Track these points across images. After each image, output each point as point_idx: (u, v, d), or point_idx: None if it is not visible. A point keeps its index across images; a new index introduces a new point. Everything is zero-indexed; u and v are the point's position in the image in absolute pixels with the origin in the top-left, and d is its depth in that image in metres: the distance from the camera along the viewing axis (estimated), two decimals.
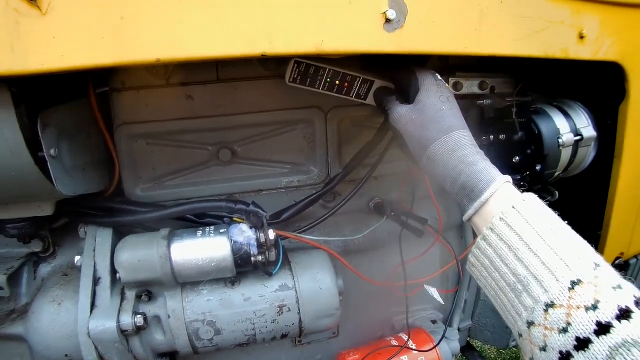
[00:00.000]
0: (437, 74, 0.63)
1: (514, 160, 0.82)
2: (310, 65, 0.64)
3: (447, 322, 0.93)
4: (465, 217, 0.53)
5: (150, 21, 0.48)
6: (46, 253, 0.76)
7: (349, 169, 0.76)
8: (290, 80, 0.65)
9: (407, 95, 0.61)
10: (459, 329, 0.96)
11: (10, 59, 0.47)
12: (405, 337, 0.83)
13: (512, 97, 0.84)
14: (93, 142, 0.71)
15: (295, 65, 0.63)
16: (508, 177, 0.51)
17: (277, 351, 0.88)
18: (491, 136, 0.84)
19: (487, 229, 0.48)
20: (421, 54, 0.62)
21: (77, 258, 0.69)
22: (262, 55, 0.52)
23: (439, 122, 0.56)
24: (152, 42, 0.49)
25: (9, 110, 0.52)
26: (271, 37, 0.52)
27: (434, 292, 0.86)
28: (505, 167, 0.83)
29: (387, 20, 0.55)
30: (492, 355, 1.93)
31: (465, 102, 0.88)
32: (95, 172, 0.70)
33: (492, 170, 0.52)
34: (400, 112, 0.60)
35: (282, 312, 0.69)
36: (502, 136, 0.83)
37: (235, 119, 0.74)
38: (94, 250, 0.69)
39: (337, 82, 0.66)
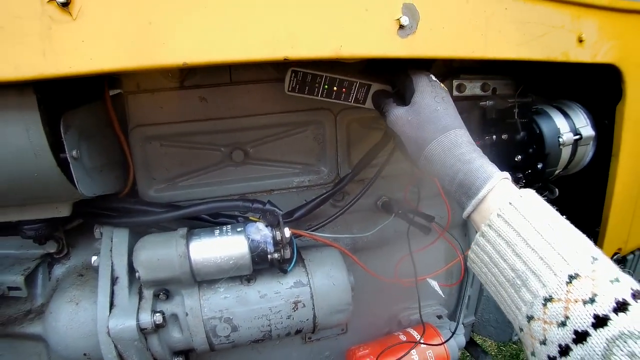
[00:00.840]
0: (431, 75, 0.65)
1: (516, 159, 0.86)
2: (307, 74, 0.66)
3: (457, 319, 0.96)
4: (464, 215, 0.54)
5: (178, 26, 0.51)
6: (60, 254, 0.78)
7: (358, 169, 0.79)
8: (289, 89, 0.67)
9: (404, 97, 0.63)
10: (463, 325, 1.00)
11: (41, 63, 0.49)
12: (412, 332, 0.87)
13: (513, 98, 0.88)
14: (108, 144, 0.73)
15: (293, 74, 0.65)
16: (506, 174, 0.52)
17: (287, 348, 0.91)
18: (494, 136, 0.88)
19: (485, 225, 0.49)
20: (430, 58, 0.65)
21: (94, 258, 0.71)
22: (285, 59, 0.55)
23: (434, 122, 0.58)
24: (179, 46, 0.51)
25: (34, 113, 0.54)
26: (293, 43, 0.54)
27: (435, 285, 0.89)
28: (508, 166, 0.87)
29: (401, 27, 0.58)
30: (492, 352, 1.97)
31: (469, 103, 0.92)
32: (111, 174, 0.72)
33: (489, 168, 0.53)
34: (397, 114, 0.61)
35: (297, 308, 0.72)
36: (504, 136, 0.87)
37: (248, 121, 0.77)
38: (110, 250, 0.71)
39: (334, 88, 0.68)
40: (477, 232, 0.52)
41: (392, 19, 0.58)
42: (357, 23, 0.57)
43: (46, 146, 0.55)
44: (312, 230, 0.77)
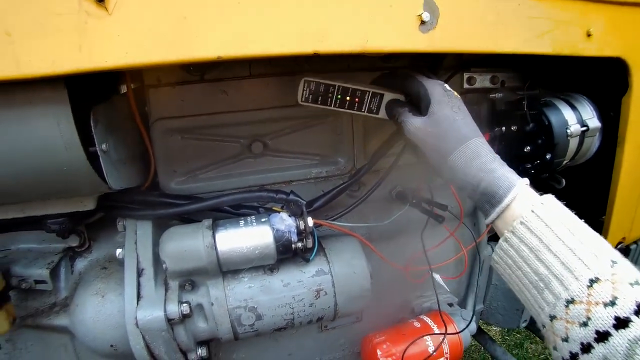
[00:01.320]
0: (445, 85, 0.66)
1: (525, 150, 0.88)
2: (320, 84, 0.67)
3: (472, 308, 0.99)
4: (487, 221, 0.56)
5: (211, 21, 0.52)
6: (82, 248, 0.79)
7: (374, 160, 0.81)
8: (303, 100, 0.68)
9: (418, 106, 0.64)
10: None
11: (77, 57, 0.50)
12: (426, 319, 0.89)
13: (521, 90, 0.91)
14: (130, 138, 0.73)
15: (306, 84, 0.66)
16: (526, 180, 0.55)
17: (303, 337, 0.93)
18: (503, 127, 0.90)
19: (509, 232, 0.52)
20: (446, 53, 0.67)
21: (118, 251, 0.72)
22: (315, 53, 0.56)
23: (454, 133, 0.59)
24: (212, 40, 0.53)
25: (66, 107, 0.55)
26: (322, 37, 0.56)
27: (439, 278, 0.91)
28: (517, 157, 0.90)
29: (422, 22, 0.60)
30: (497, 341, 2.01)
31: (478, 95, 0.95)
32: (134, 167, 0.73)
33: (511, 176, 0.55)
34: (416, 125, 0.62)
35: (319, 296, 0.74)
36: (513, 127, 0.90)
37: (267, 113, 0.78)
38: (135, 243, 0.72)
39: (347, 98, 0.69)
40: (500, 237, 0.55)
41: (414, 15, 0.60)
42: (382, 19, 0.59)
43: (77, 140, 0.56)
44: (332, 220, 0.79)
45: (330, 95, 0.68)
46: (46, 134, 0.55)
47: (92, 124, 0.59)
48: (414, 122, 0.63)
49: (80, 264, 0.79)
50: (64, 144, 0.57)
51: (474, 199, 0.58)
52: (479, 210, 0.59)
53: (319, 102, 0.69)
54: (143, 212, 0.73)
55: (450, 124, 0.60)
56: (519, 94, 0.90)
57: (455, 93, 0.66)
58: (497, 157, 0.59)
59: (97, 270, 0.75)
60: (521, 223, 0.51)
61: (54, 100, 0.54)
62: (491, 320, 1.12)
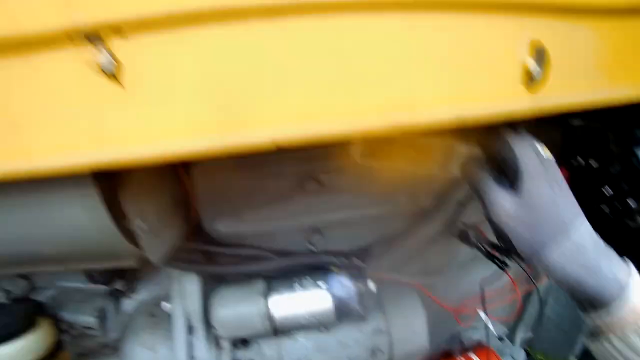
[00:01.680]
0: (537, 145, 0.46)
1: (603, 189, 0.70)
2: None
3: None
4: (585, 318, 0.44)
5: (267, 95, 0.36)
6: (128, 288, 0.69)
7: (440, 204, 0.65)
8: None
9: (503, 171, 0.46)
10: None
11: (94, 149, 0.35)
12: (475, 358, 0.78)
13: (603, 118, 0.70)
14: (167, 187, 0.59)
15: None
16: (637, 276, 0.41)
17: None
18: (581, 160, 0.71)
19: (618, 338, 0.40)
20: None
21: (166, 306, 0.62)
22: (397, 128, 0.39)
23: (553, 220, 0.43)
24: (269, 120, 0.36)
25: (92, 192, 0.41)
26: (410, 105, 0.39)
27: (487, 320, 0.78)
28: (593, 195, 0.71)
29: (528, 74, 0.41)
30: None
31: (552, 119, 0.75)
32: (175, 221, 0.60)
33: (620, 274, 0.41)
34: (505, 207, 0.44)
35: (375, 356, 0.63)
36: (593, 162, 0.71)
37: (320, 149, 0.62)
38: (182, 296, 0.61)
39: None
40: (598, 333, 0.43)
41: (518, 65, 0.41)
42: (479, 75, 0.40)
43: (109, 224, 0.44)
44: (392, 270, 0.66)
45: None
46: (74, 221, 0.43)
47: (122, 202, 0.45)
48: (503, 205, 0.44)
49: (128, 305, 0.69)
50: (95, 229, 0.45)
51: (571, 297, 0.44)
52: (577, 306, 0.45)
53: None
54: (189, 265, 0.61)
55: (548, 208, 0.43)
56: (601, 124, 0.70)
57: (549, 154, 0.46)
58: (602, 243, 0.43)
59: (145, 318, 0.66)
60: (635, 332, 0.39)
61: (78, 185, 0.41)
62: (537, 347, 1.00)
